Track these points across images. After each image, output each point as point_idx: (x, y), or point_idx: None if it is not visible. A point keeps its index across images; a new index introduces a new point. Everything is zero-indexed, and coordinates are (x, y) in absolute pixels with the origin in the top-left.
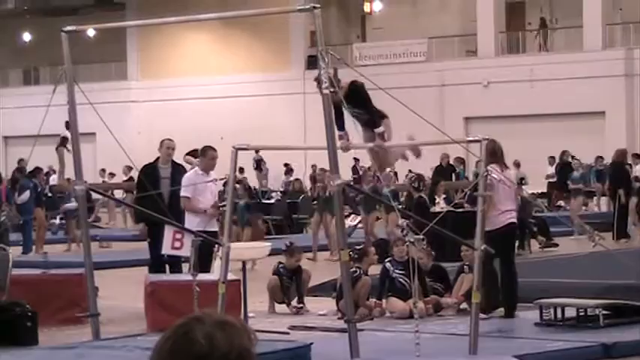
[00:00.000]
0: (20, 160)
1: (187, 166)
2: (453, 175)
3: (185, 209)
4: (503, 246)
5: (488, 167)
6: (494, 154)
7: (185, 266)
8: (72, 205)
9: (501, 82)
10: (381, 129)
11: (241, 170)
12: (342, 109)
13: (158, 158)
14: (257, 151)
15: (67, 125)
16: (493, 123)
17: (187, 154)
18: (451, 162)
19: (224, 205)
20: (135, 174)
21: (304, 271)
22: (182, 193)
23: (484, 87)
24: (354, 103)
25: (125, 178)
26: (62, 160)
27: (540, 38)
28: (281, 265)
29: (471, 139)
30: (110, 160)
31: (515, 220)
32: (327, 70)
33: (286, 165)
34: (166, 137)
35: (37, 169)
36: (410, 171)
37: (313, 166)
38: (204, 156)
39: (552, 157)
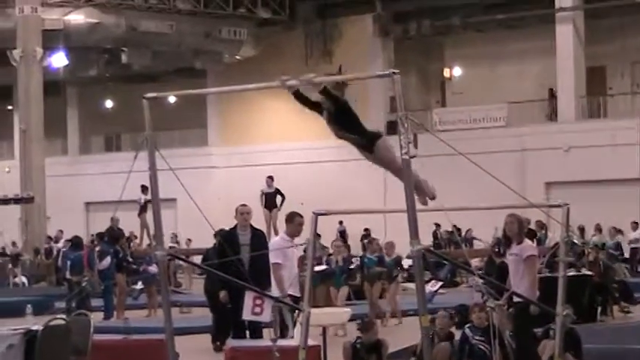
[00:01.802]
0: (111, 219)
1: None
2: (535, 240)
3: (275, 276)
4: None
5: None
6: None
7: (266, 331)
8: (152, 268)
9: (582, 146)
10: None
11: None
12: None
13: (237, 225)
14: (341, 223)
15: (143, 189)
16: (574, 188)
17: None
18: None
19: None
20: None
21: (383, 344)
22: (273, 260)
23: (565, 152)
24: (342, 125)
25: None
26: (145, 226)
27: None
28: (359, 341)
29: (551, 203)
30: (191, 225)
31: None
32: (407, 135)
33: (366, 230)
34: (240, 203)
35: (120, 236)
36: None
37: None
38: (292, 222)
39: (635, 223)
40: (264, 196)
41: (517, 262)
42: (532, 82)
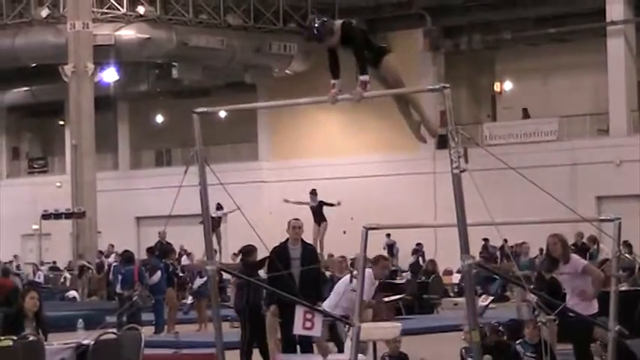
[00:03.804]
0: (159, 233)
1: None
2: (588, 254)
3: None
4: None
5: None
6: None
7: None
8: (201, 280)
9: (634, 160)
10: (365, 77)
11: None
12: (336, 54)
13: (288, 239)
14: (388, 236)
15: (219, 206)
16: (626, 202)
17: None
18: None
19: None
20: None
21: (406, 357)
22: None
23: (616, 166)
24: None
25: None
26: (218, 241)
27: None
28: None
29: (603, 217)
30: (241, 240)
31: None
32: (457, 149)
33: (419, 244)
34: (294, 217)
35: (170, 250)
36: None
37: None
38: (377, 264)
39: None
40: (312, 211)
41: (571, 279)
42: (584, 96)
